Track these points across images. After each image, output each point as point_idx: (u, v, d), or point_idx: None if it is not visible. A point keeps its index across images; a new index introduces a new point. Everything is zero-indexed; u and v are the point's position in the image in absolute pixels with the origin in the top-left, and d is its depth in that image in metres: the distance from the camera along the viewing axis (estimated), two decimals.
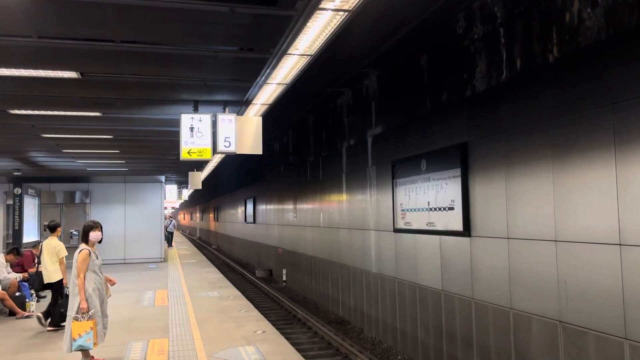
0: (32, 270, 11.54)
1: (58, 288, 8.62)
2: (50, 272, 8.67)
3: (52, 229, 8.96)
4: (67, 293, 7.67)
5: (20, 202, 16.39)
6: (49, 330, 8.38)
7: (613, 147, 4.71)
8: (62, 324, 8.07)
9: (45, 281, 8.68)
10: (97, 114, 9.40)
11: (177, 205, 53.39)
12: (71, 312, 6.04)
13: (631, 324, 4.53)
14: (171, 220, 31.63)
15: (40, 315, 8.55)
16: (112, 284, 6.70)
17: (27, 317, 9.34)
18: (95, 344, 6.03)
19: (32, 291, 10.52)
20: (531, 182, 5.76)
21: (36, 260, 12.32)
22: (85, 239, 6.38)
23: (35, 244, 13.62)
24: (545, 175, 5.52)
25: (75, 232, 18.93)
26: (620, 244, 4.63)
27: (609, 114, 4.76)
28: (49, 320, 8.51)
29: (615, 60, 4.71)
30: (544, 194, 5.54)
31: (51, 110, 9.00)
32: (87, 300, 6.02)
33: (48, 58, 6.30)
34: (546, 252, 5.52)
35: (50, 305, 8.76)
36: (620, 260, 4.63)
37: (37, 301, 10.70)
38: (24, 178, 18.14)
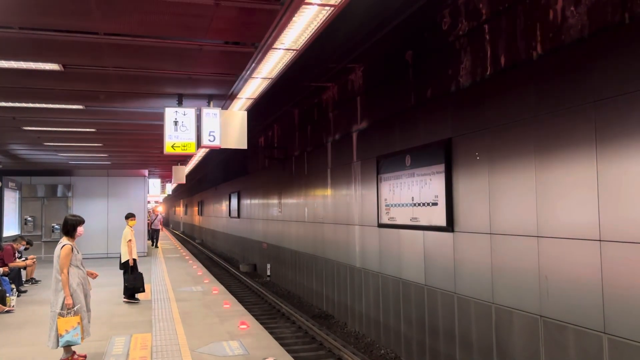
0: (13, 264, 11.42)
1: (126, 267, 10.07)
2: (122, 255, 10.11)
3: (126, 218, 10.45)
4: (132, 271, 10.00)
5: (1, 195, 16.17)
6: (124, 302, 10.05)
7: (594, 144, 4.78)
8: (137, 294, 10.14)
9: (122, 261, 10.09)
10: (80, 106, 9.28)
11: (160, 199, 52.70)
12: (55, 308, 5.97)
13: (610, 319, 4.61)
14: (156, 216, 27.66)
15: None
16: (94, 278, 6.64)
17: (8, 312, 9.23)
18: (82, 338, 5.99)
19: (13, 286, 10.39)
20: (514, 178, 5.81)
21: (16, 255, 12.21)
22: (71, 233, 6.26)
23: (16, 238, 13.46)
24: (528, 171, 5.58)
25: (57, 226, 18.69)
26: (600, 240, 4.71)
27: (590, 110, 4.82)
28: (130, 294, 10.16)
29: (597, 58, 4.77)
30: (527, 190, 5.60)
31: (32, 102, 8.88)
32: (71, 295, 5.95)
33: (29, 49, 6.20)
34: (528, 248, 5.59)
35: (129, 282, 10.10)
36: (600, 256, 4.71)
37: (18, 296, 10.57)
38: (4, 171, 17.88)
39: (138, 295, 10.24)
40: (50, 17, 5.28)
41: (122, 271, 10.24)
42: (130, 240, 10.05)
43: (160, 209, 48.48)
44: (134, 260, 10.06)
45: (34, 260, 13.07)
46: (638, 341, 4.33)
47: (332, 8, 4.85)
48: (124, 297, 10.16)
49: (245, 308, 9.99)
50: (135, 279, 10.05)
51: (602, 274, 4.69)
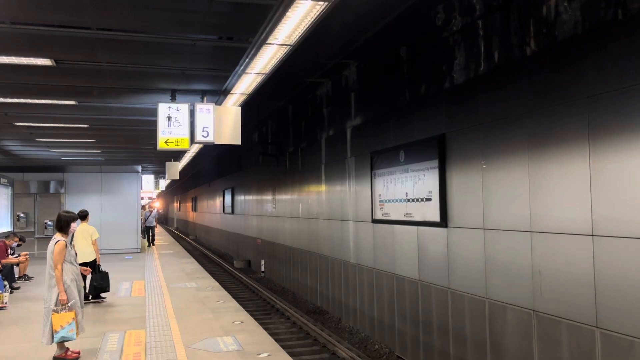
0: (6, 261, 11.37)
1: (92, 266, 9.69)
2: (87, 254, 9.83)
3: (83, 217, 10.18)
4: (101, 269, 9.84)
5: None
6: (91, 302, 9.66)
7: (587, 140, 4.80)
8: (103, 295, 9.91)
9: (80, 261, 9.49)
10: (73, 102, 9.23)
11: (154, 196, 52.33)
12: (49, 304, 5.95)
13: (602, 313, 4.64)
14: (151, 212, 25.53)
15: None
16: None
17: (0, 308, 9.18)
18: (77, 334, 5.99)
19: (5, 282, 10.35)
20: (507, 174, 5.83)
21: (9, 251, 12.15)
22: (64, 229, 6.25)
23: (8, 235, 13.39)
24: (521, 167, 5.60)
25: (50, 223, 18.61)
26: (592, 235, 4.73)
27: (583, 106, 4.84)
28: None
29: (590, 54, 4.78)
30: (520, 185, 5.62)
31: (25, 98, 8.82)
32: (65, 291, 5.94)
33: (21, 44, 6.16)
34: (521, 243, 5.61)
35: (97, 281, 9.76)
36: (593, 251, 4.73)
37: (11, 292, 10.53)
38: None
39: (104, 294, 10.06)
40: (42, 11, 5.25)
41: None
42: (96, 239, 10.02)
43: (158, 205, 47.77)
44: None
45: (27, 256, 13.00)
46: (630, 335, 4.37)
47: (326, 3, 4.84)
48: (90, 298, 9.86)
49: (240, 304, 10.00)
50: (102, 279, 9.81)
51: (595, 269, 4.72)
